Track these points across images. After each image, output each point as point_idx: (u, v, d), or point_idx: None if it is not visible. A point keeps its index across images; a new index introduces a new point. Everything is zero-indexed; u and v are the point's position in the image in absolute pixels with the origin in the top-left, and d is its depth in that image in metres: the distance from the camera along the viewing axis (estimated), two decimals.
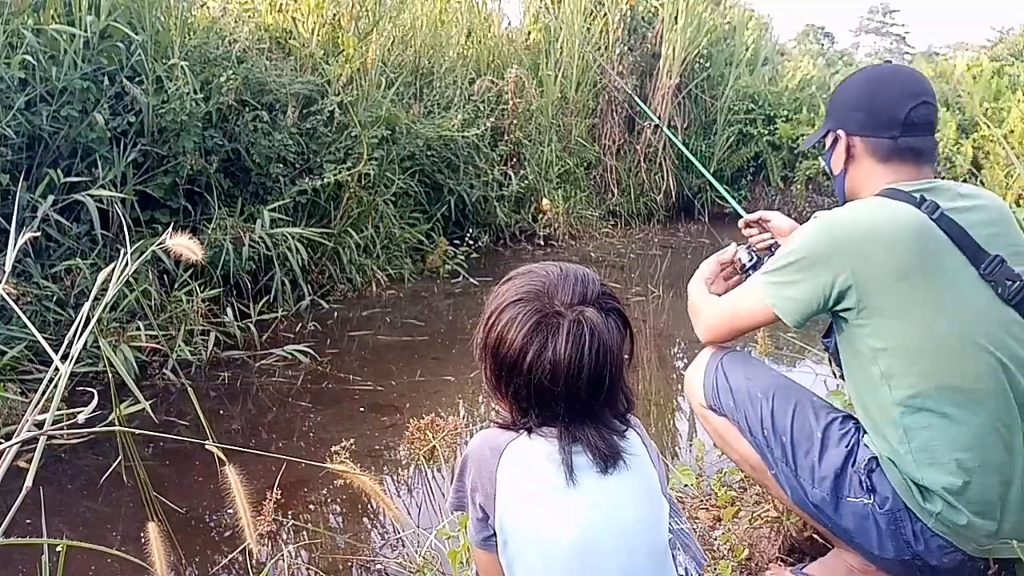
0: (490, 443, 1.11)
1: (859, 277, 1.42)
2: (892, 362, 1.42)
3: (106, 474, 2.42)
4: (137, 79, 3.83)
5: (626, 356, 1.09)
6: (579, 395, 1.04)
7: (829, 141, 1.63)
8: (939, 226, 1.42)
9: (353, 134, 4.79)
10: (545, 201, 6.65)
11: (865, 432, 1.51)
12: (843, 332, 1.50)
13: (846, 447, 1.50)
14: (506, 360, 1.06)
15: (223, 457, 0.99)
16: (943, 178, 1.59)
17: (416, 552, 1.99)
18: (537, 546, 1.05)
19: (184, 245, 1.14)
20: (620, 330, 1.08)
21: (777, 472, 1.58)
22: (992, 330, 1.41)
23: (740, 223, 1.94)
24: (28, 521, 1.94)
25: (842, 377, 1.59)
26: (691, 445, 2.88)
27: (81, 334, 1.07)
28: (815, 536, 1.81)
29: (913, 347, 1.41)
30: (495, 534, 1.11)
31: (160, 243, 1.19)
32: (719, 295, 1.77)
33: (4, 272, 1.33)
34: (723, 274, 1.87)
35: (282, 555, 2.13)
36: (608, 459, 1.06)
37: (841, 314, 1.47)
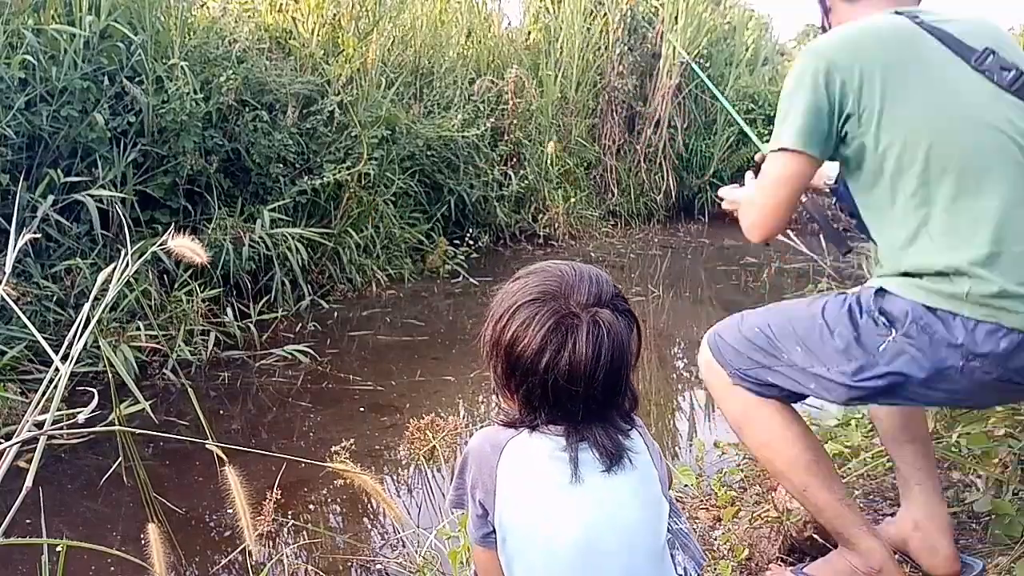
0: (491, 440, 1.11)
1: (851, 75, 1.42)
2: (900, 155, 1.41)
3: (107, 475, 2.42)
4: (137, 79, 3.83)
5: (634, 356, 1.09)
6: (595, 396, 1.04)
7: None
8: (921, 27, 1.45)
9: (353, 134, 4.79)
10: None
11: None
12: (850, 159, 1.49)
13: (847, 310, 1.47)
14: (521, 360, 1.05)
15: (223, 457, 0.99)
16: None
17: (416, 552, 2.00)
18: (538, 543, 1.06)
19: (187, 247, 1.13)
20: (631, 331, 1.08)
21: (816, 386, 1.51)
22: (994, 110, 1.40)
23: (757, 157, 1.89)
24: (28, 521, 1.94)
25: (858, 228, 1.59)
26: (691, 445, 2.89)
27: (81, 334, 1.07)
28: (815, 536, 1.81)
29: (916, 130, 1.40)
30: (494, 531, 1.11)
31: (161, 243, 1.19)
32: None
33: (4, 273, 1.33)
34: None
35: (282, 555, 2.13)
36: (613, 458, 1.06)
37: (844, 131, 1.46)
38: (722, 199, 1.90)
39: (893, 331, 1.41)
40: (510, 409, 1.13)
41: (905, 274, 1.42)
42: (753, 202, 1.60)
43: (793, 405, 1.61)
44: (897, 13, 1.48)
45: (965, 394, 1.44)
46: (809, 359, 1.50)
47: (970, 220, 1.37)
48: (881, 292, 1.44)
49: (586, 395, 1.04)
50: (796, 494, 1.64)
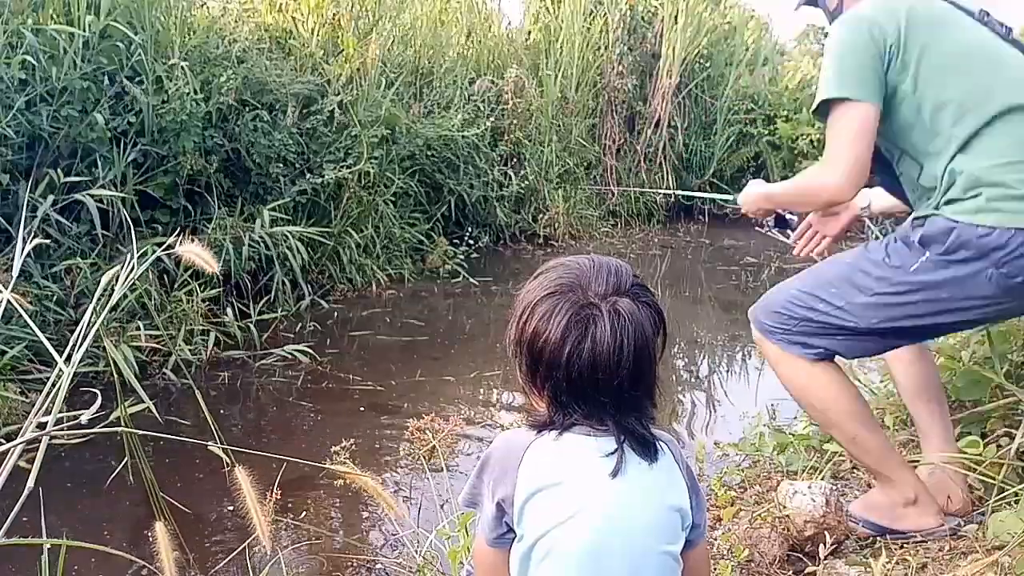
0: (512, 443, 1.12)
1: (893, 33, 1.63)
2: (936, 97, 1.61)
3: (112, 475, 2.42)
4: (137, 79, 3.83)
5: (659, 347, 1.09)
6: (622, 385, 1.04)
7: None
8: None
9: (353, 134, 4.79)
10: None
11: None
12: (890, 102, 1.66)
13: (883, 243, 1.69)
14: (544, 354, 1.06)
15: (229, 460, 0.99)
16: None
17: (416, 552, 2.00)
18: (560, 541, 1.05)
19: (197, 254, 1.12)
20: (654, 321, 1.08)
21: (858, 319, 1.67)
22: (1004, 53, 1.65)
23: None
24: (25, 519, 1.93)
25: (886, 182, 1.81)
26: (691, 445, 2.89)
27: (85, 336, 1.07)
28: (814, 537, 1.82)
29: (945, 78, 1.62)
30: (509, 531, 1.11)
31: (165, 246, 1.20)
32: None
33: (12, 277, 1.34)
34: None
35: (281, 555, 2.13)
36: (648, 448, 1.07)
37: (887, 77, 1.65)
38: (740, 207, 2.07)
39: (927, 252, 1.60)
40: (539, 408, 1.13)
41: (946, 202, 1.60)
42: (835, 157, 1.68)
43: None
44: None
45: (991, 302, 1.60)
46: (843, 290, 1.69)
47: (999, 142, 1.57)
48: (919, 220, 1.64)
49: (612, 384, 1.04)
50: (845, 441, 1.82)
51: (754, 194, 1.99)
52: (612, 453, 1.05)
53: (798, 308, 1.73)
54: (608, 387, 1.04)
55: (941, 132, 1.61)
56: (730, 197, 2.16)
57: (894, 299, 1.63)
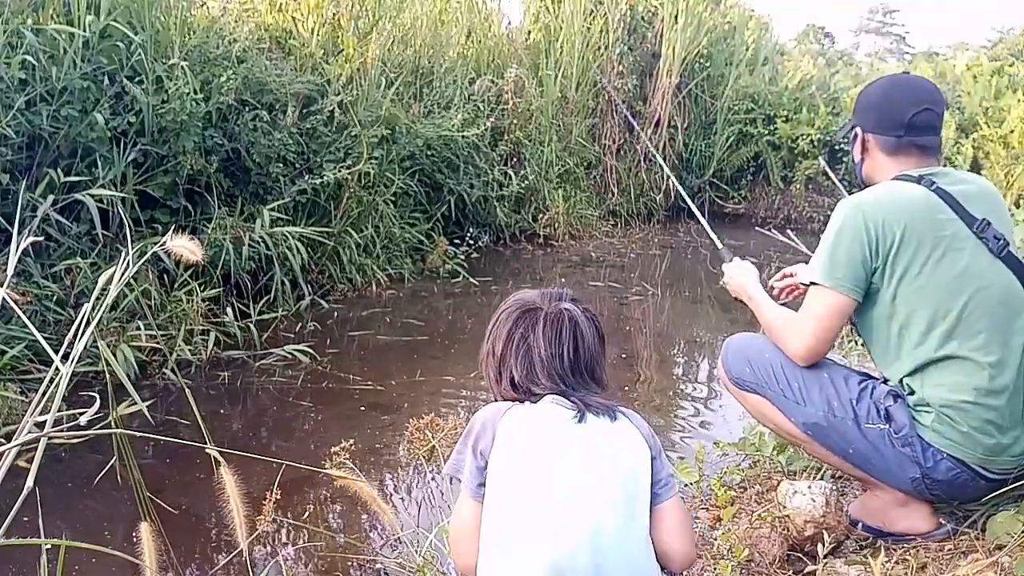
0: (495, 407, 1.34)
1: (884, 235, 1.69)
2: (909, 315, 1.70)
3: (103, 473, 2.42)
4: (137, 79, 3.82)
5: (597, 346, 1.36)
6: (565, 373, 1.31)
7: (852, 136, 1.94)
8: (936, 195, 1.72)
9: (353, 134, 4.79)
10: None
11: (883, 381, 1.80)
12: (868, 305, 1.76)
13: (859, 384, 1.77)
14: (503, 353, 1.33)
15: (221, 461, 0.99)
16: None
17: (416, 552, 2.00)
18: (534, 486, 1.23)
19: (183, 246, 1.15)
20: (593, 324, 1.35)
21: (806, 409, 1.79)
22: (989, 278, 1.69)
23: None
24: (25, 519, 1.93)
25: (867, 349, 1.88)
26: (691, 445, 2.88)
27: (82, 336, 1.07)
28: (814, 537, 1.81)
29: (926, 299, 1.69)
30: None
31: (161, 245, 1.20)
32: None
33: (6, 276, 1.33)
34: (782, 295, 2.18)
35: (281, 555, 2.13)
36: (606, 410, 1.29)
37: (872, 277, 1.73)
38: (726, 278, 2.16)
39: (888, 426, 1.72)
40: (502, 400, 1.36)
41: (912, 404, 1.72)
42: (803, 330, 1.81)
43: None
44: (921, 177, 1.75)
45: (905, 490, 1.77)
46: (798, 395, 1.81)
47: (956, 373, 1.67)
48: (894, 397, 1.74)
49: (557, 366, 1.30)
50: (819, 457, 1.92)
51: (739, 284, 2.06)
52: (578, 415, 1.27)
53: (763, 370, 1.87)
54: (553, 368, 1.30)
55: (902, 348, 1.73)
56: (725, 259, 2.23)
57: (837, 430, 1.77)
